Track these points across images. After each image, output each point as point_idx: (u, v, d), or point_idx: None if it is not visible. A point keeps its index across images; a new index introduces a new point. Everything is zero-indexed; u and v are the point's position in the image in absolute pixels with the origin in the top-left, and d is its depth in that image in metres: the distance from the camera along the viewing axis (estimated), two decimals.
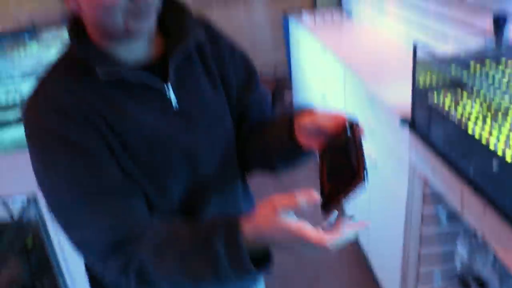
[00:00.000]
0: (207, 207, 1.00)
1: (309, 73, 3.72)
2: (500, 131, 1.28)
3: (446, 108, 1.47)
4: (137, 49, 0.91)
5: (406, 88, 1.70)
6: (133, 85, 0.88)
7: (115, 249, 0.83)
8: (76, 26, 0.89)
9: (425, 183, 1.78)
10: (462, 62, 1.61)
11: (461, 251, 1.79)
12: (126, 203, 0.86)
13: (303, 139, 0.93)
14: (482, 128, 1.31)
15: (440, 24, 2.35)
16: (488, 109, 1.42)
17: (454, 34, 2.20)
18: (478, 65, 1.58)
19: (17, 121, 2.13)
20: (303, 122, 0.91)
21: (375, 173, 2.18)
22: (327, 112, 0.90)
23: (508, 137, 1.24)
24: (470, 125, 1.34)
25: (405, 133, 1.77)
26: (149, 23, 0.86)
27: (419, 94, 1.64)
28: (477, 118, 1.38)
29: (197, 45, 0.98)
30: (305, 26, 3.65)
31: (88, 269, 1.04)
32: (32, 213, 1.95)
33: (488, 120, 1.35)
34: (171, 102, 0.92)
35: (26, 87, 2.44)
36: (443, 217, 1.88)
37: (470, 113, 1.40)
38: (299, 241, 0.73)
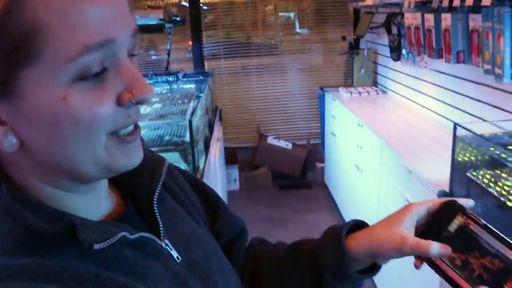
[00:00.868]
0: None
1: (342, 146, 3.84)
2: None
3: (486, 183, 1.55)
4: (100, 196, 0.66)
5: (441, 163, 1.79)
6: (132, 249, 0.62)
7: None
8: None
9: None
10: (499, 141, 1.70)
11: None
12: None
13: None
14: None
15: (474, 106, 2.47)
16: None
17: (489, 116, 2.31)
18: None
19: None
20: (412, 210, 0.75)
21: None
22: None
23: None
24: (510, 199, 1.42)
25: None
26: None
27: (458, 169, 1.72)
28: None
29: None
30: (341, 100, 3.81)
31: None
32: None
33: None
34: (171, 256, 0.68)
35: None
36: None
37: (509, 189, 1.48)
38: None
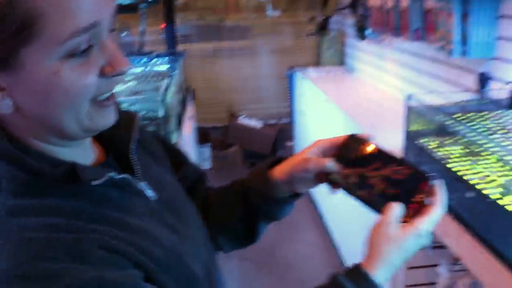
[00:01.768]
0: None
1: (311, 123, 4.00)
2: (475, 169, 1.52)
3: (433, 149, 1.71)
4: (85, 148, 0.78)
5: (398, 134, 1.95)
6: (116, 189, 0.74)
7: None
8: None
9: None
10: (448, 112, 1.86)
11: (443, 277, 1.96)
12: None
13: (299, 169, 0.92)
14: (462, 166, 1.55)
15: (431, 82, 2.64)
16: (468, 151, 1.66)
17: (443, 90, 2.48)
18: (461, 116, 1.84)
19: None
20: (319, 143, 0.94)
21: None
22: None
23: (481, 173, 1.48)
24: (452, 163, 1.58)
25: None
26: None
27: (409, 138, 1.88)
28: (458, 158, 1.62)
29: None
30: (310, 79, 3.96)
31: None
32: None
33: (467, 160, 1.59)
34: (148, 195, 0.80)
35: None
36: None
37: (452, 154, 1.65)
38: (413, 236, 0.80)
